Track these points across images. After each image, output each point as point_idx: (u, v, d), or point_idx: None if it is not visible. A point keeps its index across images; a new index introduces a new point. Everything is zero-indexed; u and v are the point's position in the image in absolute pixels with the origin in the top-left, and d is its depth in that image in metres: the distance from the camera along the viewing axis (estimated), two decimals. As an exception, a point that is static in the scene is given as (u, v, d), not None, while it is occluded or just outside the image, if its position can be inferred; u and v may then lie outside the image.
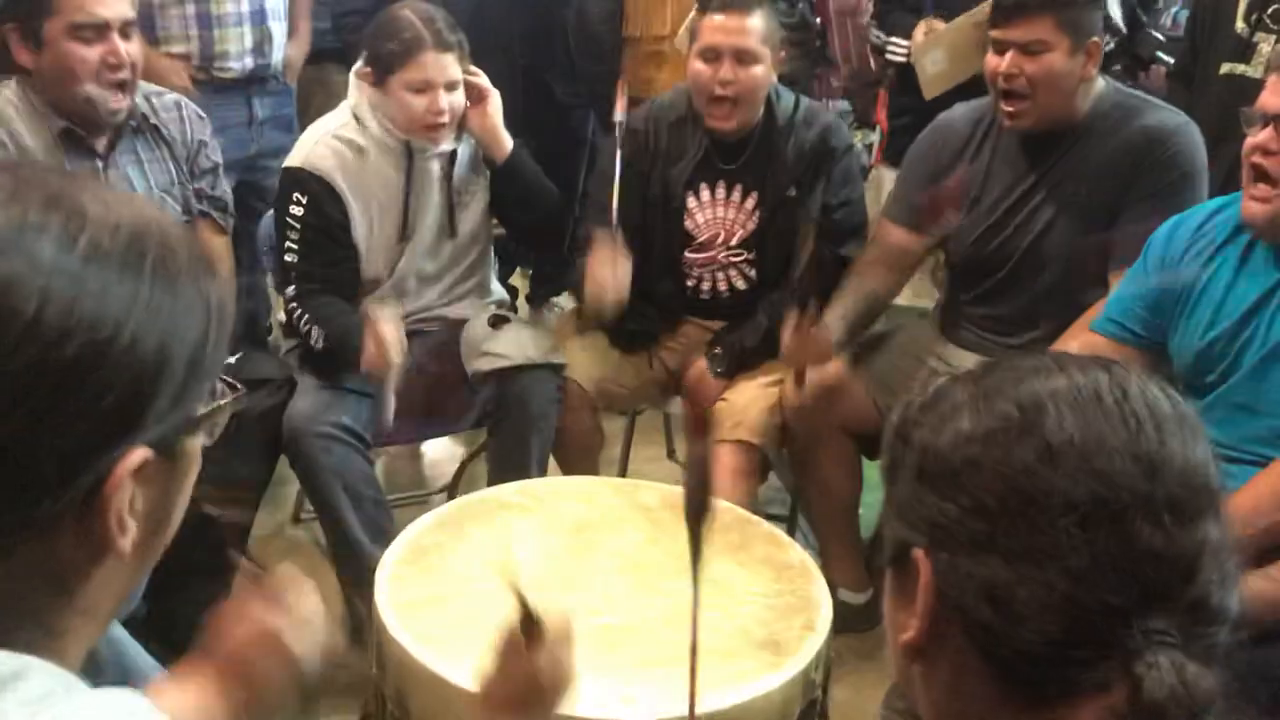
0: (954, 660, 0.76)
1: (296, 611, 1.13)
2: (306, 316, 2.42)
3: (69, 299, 0.60)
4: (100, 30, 2.16)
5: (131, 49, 2.22)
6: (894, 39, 3.17)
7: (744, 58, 2.46)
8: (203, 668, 1.09)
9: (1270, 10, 2.58)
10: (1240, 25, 2.62)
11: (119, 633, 1.60)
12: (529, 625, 1.13)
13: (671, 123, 2.61)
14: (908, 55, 3.11)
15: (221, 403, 0.71)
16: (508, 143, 2.55)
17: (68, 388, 0.60)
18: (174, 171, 2.40)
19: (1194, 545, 0.72)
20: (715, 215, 2.62)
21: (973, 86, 2.58)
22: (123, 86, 2.24)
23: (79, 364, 0.60)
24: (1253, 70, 2.59)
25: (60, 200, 0.63)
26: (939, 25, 3.02)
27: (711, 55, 2.48)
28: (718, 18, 2.48)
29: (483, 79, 2.50)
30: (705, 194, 2.61)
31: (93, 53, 2.16)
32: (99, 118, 2.25)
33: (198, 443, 0.70)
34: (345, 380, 2.40)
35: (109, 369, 0.61)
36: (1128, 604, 0.71)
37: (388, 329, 2.27)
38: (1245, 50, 2.60)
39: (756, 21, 2.47)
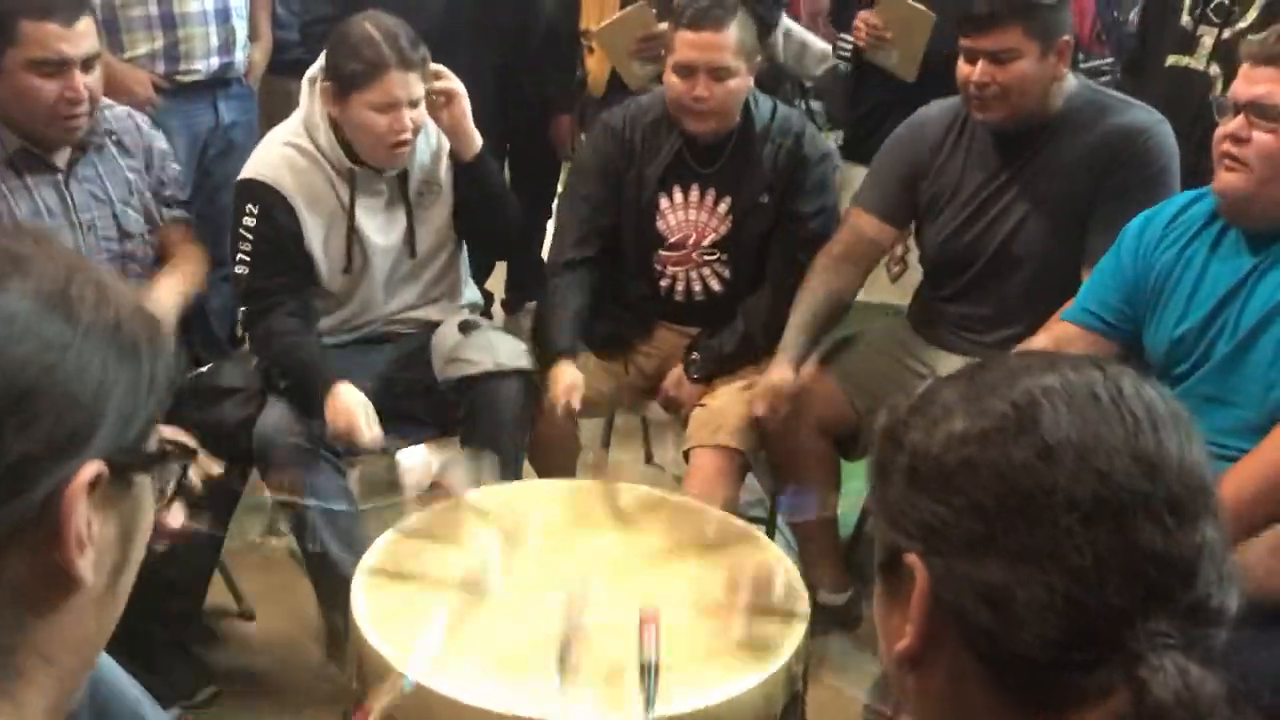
0: (951, 666, 0.75)
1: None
2: (260, 350, 2.40)
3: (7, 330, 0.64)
4: (61, 66, 2.13)
5: (91, 80, 2.18)
6: (843, 35, 3.19)
7: (719, 74, 2.44)
8: None
9: (1213, 4, 2.60)
10: (1185, 19, 2.64)
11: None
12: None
13: (648, 123, 2.60)
14: (853, 51, 3.13)
15: (171, 452, 0.73)
16: (477, 140, 2.50)
17: (11, 404, 0.63)
18: (133, 181, 2.38)
19: (1194, 546, 0.71)
20: (687, 217, 2.61)
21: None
22: (78, 118, 2.20)
23: (17, 386, 0.63)
24: (1196, 62, 2.61)
25: None
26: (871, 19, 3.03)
27: (685, 71, 2.45)
28: (690, 34, 2.45)
29: (452, 80, 2.46)
30: (678, 195, 2.60)
31: (51, 87, 2.12)
32: (53, 141, 2.23)
33: (149, 484, 0.72)
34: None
35: (49, 390, 0.64)
36: (1130, 605, 0.70)
37: (354, 412, 2.25)
38: (1190, 42, 2.62)
39: (731, 36, 2.44)
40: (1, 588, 0.64)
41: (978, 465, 0.73)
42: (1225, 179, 1.83)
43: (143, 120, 2.43)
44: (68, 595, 0.67)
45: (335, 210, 2.43)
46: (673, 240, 2.62)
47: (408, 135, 2.36)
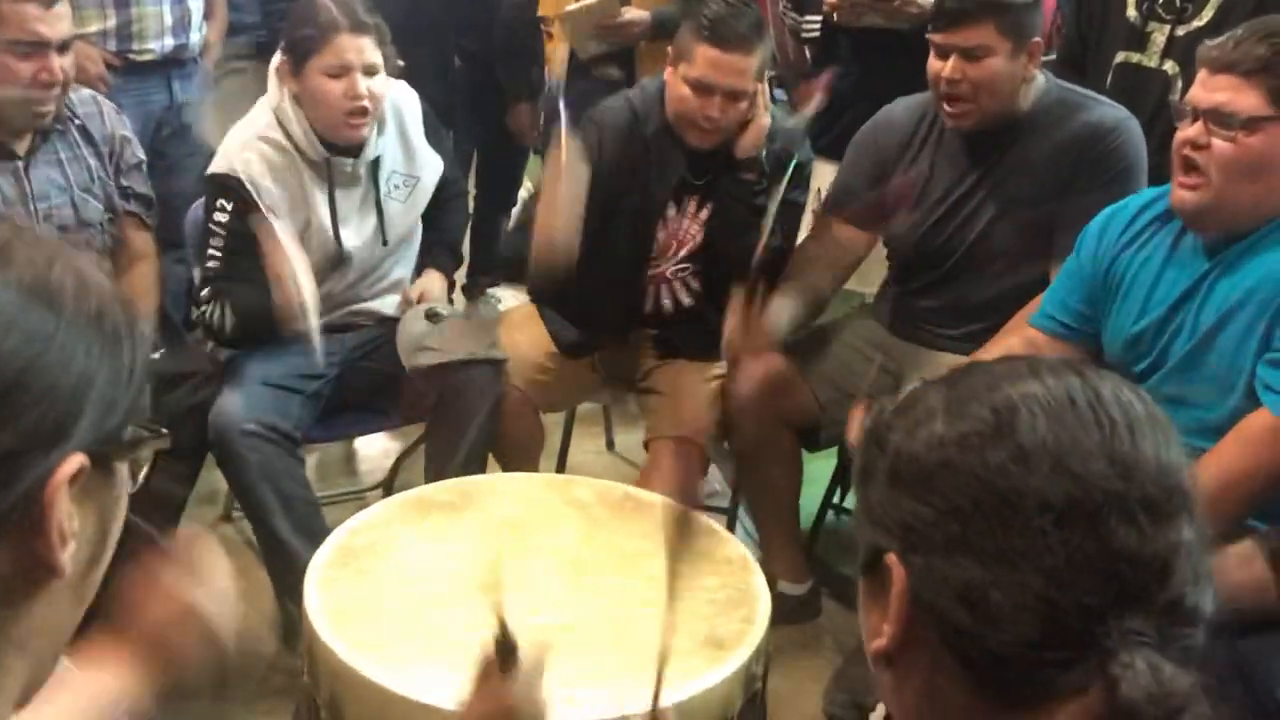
0: (929, 665, 0.76)
1: (210, 581, 1.10)
2: (215, 307, 2.34)
3: None
4: (38, 48, 2.09)
5: (65, 62, 2.15)
6: (808, 17, 3.14)
7: (736, 96, 2.35)
8: (117, 645, 1.06)
9: (1161, 1, 2.56)
10: (1132, 14, 2.59)
11: None
12: (504, 652, 1.10)
13: (651, 135, 2.46)
14: (820, 29, 3.09)
15: (146, 437, 0.72)
16: None
17: None
18: (95, 168, 2.33)
19: (1168, 546, 0.72)
20: (677, 228, 2.54)
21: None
22: (49, 101, 2.16)
23: (2, 381, 0.62)
24: (1148, 60, 2.57)
25: None
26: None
27: (703, 89, 2.34)
28: (716, 52, 2.31)
29: None
30: (671, 210, 2.52)
31: (26, 67, 2.10)
32: (21, 122, 2.18)
33: (125, 471, 0.71)
34: (272, 376, 2.33)
35: (34, 383, 0.63)
36: (1104, 605, 0.71)
37: (286, 263, 2.21)
38: (1139, 39, 2.58)
39: (756, 60, 2.34)
40: None
41: (956, 467, 0.74)
42: (1183, 196, 1.82)
43: (109, 108, 2.37)
44: (46, 585, 0.66)
45: (311, 207, 2.40)
46: (654, 254, 2.56)
47: (364, 103, 2.34)
